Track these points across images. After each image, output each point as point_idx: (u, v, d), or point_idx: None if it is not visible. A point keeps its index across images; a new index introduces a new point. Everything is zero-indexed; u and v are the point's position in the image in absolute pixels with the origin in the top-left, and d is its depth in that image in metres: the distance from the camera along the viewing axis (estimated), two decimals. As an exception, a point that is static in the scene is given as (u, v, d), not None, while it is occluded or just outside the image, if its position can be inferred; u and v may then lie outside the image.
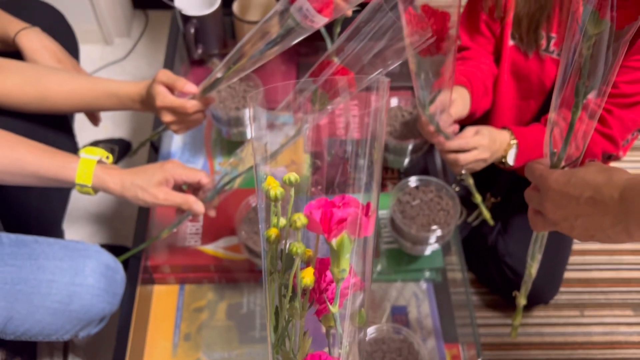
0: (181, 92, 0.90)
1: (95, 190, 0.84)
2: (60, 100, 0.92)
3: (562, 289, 1.31)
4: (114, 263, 0.92)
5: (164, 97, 0.88)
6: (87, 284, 0.86)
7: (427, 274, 1.04)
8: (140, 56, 1.82)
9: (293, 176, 0.47)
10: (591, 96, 0.61)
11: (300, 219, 0.45)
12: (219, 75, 0.86)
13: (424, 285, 1.04)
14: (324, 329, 0.51)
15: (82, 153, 0.83)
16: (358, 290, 0.48)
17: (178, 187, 0.88)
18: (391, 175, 1.15)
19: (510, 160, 0.99)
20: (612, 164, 0.91)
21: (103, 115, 1.14)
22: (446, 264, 1.04)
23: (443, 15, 0.77)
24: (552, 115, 0.65)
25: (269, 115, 0.83)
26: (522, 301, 0.94)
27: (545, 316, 1.35)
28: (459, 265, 1.03)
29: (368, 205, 0.46)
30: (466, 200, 1.09)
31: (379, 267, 1.02)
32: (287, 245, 0.47)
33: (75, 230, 1.40)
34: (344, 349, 0.48)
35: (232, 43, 0.88)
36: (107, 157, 0.86)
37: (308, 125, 0.82)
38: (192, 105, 0.90)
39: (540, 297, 1.25)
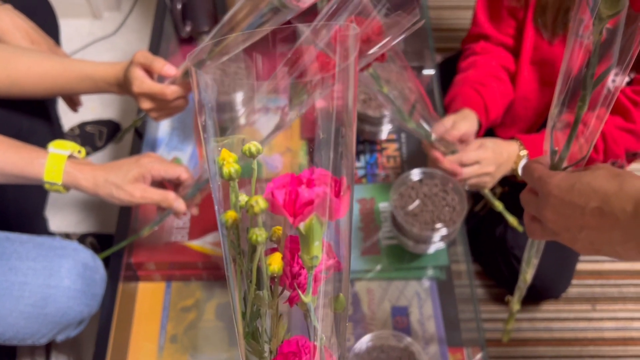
0: (160, 74, 0.82)
1: (67, 187, 0.77)
2: (30, 84, 0.84)
3: (572, 281, 1.24)
4: (93, 262, 0.86)
5: (141, 82, 0.80)
6: (63, 286, 0.81)
7: (430, 272, 0.97)
8: (131, 31, 1.73)
9: (254, 146, 0.39)
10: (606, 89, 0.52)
11: (259, 202, 0.37)
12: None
13: (426, 283, 0.97)
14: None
15: (51, 147, 0.76)
16: (335, 272, 0.42)
17: (158, 183, 0.81)
18: (394, 164, 1.07)
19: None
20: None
21: (91, 95, 1.06)
22: (450, 255, 0.97)
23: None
24: (554, 110, 0.57)
25: (263, 99, 0.75)
26: (515, 307, 0.88)
27: (555, 310, 1.29)
28: (464, 256, 0.96)
29: (340, 181, 0.38)
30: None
31: (378, 265, 0.96)
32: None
33: (60, 218, 1.34)
34: (320, 342, 0.41)
35: (223, 20, 0.83)
36: (79, 152, 0.79)
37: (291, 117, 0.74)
38: (172, 91, 0.82)
39: (550, 291, 1.19)
